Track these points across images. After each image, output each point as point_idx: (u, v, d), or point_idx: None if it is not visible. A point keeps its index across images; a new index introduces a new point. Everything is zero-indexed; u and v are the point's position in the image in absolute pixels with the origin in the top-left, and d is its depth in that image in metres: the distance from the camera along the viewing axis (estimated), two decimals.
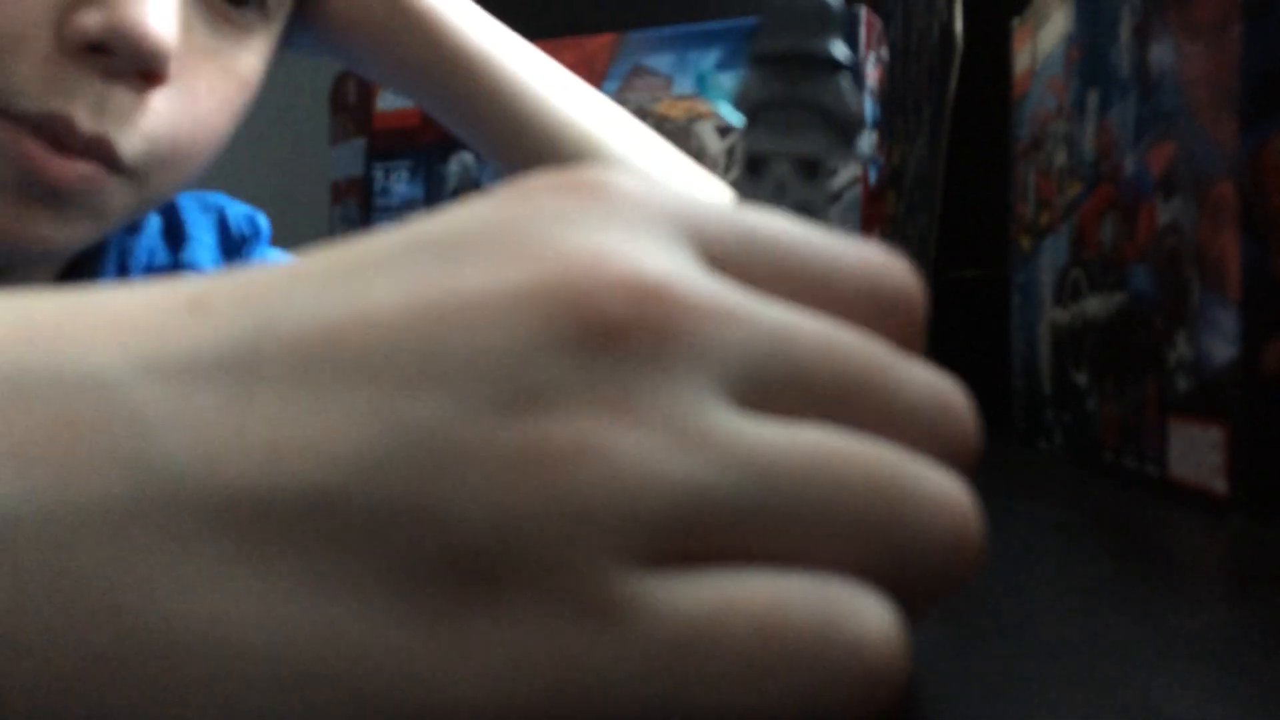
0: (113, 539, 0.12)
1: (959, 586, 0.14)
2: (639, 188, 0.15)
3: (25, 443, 0.12)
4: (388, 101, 0.85)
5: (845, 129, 0.20)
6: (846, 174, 0.69)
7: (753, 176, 0.20)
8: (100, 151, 0.39)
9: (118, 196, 0.41)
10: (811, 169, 0.20)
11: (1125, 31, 0.41)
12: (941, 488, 0.14)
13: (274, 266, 0.14)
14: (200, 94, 0.42)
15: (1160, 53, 0.37)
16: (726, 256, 0.15)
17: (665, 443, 0.13)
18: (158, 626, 0.11)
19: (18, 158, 0.38)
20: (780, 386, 0.14)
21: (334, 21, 0.49)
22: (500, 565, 0.12)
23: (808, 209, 0.20)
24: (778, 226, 0.16)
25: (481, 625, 0.12)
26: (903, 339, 0.16)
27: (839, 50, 0.20)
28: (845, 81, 0.20)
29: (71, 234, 0.41)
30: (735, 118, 0.21)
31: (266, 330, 0.13)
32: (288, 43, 0.50)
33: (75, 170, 0.39)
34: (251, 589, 0.12)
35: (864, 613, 0.13)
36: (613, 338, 0.13)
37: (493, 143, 0.52)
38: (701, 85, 0.74)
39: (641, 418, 0.13)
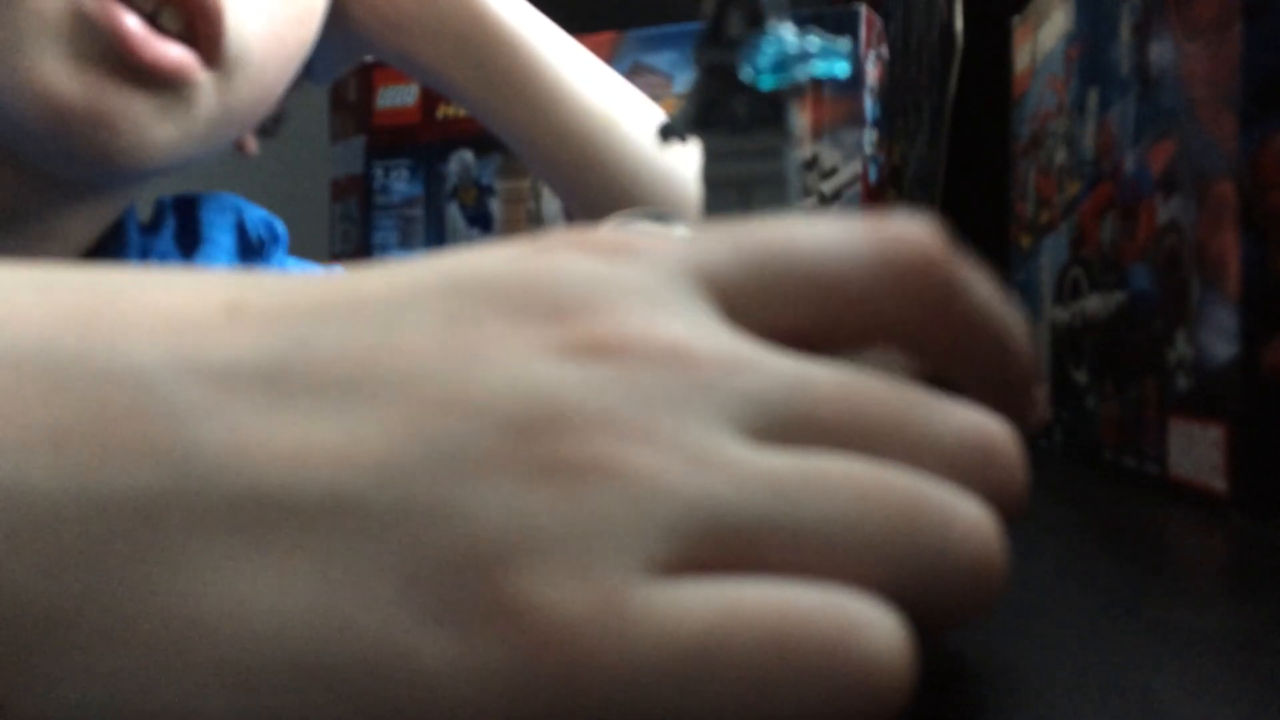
0: (142, 523, 0.12)
1: (979, 614, 0.14)
2: (655, 249, 0.16)
3: (61, 428, 0.12)
4: (388, 99, 0.85)
5: None
6: (847, 172, 0.69)
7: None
8: (205, 25, 0.39)
9: (207, 97, 0.41)
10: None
11: (1125, 30, 0.41)
12: (967, 514, 0.14)
13: (308, 282, 0.15)
14: (277, 3, 0.43)
15: (1160, 51, 0.37)
16: (743, 298, 0.16)
17: (677, 461, 0.13)
18: (179, 604, 0.12)
19: (112, 33, 0.38)
20: (800, 426, 0.15)
21: None
22: (515, 568, 0.12)
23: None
24: (782, 246, 0.16)
25: (492, 626, 0.12)
26: (943, 294, 0.16)
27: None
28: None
29: (163, 132, 0.40)
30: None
31: (301, 348, 0.14)
32: (309, 74, 0.51)
33: (171, 53, 0.39)
34: (270, 578, 0.12)
35: (874, 625, 0.13)
36: (628, 375, 0.14)
37: (518, 122, 0.52)
38: None
39: (655, 441, 0.13)
